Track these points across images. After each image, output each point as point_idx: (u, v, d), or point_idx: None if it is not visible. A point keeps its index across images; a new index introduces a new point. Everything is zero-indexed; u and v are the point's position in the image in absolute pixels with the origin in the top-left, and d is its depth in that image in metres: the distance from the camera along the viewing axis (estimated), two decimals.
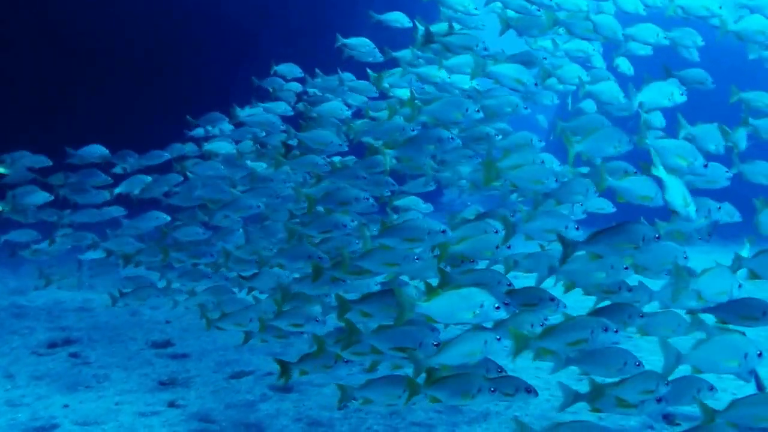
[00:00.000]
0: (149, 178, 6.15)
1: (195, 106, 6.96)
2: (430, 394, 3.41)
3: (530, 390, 3.53)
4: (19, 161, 6.35)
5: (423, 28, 4.92)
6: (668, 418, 4.36)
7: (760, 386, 4.22)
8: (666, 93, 4.42)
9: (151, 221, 5.85)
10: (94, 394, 4.74)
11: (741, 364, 3.23)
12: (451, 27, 4.97)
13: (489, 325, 3.63)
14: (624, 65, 5.41)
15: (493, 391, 3.37)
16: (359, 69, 6.06)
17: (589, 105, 5.13)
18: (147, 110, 10.77)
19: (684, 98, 4.44)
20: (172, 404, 4.59)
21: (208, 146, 6.24)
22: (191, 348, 5.84)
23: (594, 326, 3.32)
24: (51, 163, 6.49)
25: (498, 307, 3.28)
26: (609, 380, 3.44)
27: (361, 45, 6.09)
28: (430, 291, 3.52)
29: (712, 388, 3.56)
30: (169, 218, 5.77)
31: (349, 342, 3.71)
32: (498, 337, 3.39)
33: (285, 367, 4.14)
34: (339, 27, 8.21)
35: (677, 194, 3.52)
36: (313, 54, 7.24)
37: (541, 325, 3.70)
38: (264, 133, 6.04)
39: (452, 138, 4.44)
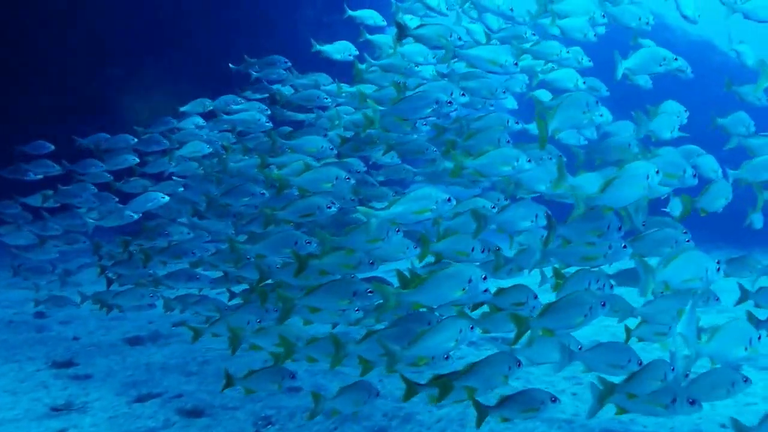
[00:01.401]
0: (137, 159, 6.01)
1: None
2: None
3: (555, 399, 3.34)
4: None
5: (398, 23, 4.69)
6: None
7: None
8: (658, 58, 4.15)
9: (147, 203, 5.45)
10: None
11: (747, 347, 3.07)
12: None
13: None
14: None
15: (554, 400, 3.28)
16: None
17: (543, 94, 4.88)
18: (79, 108, 10.09)
19: (679, 63, 4.21)
20: None
21: (175, 136, 6.02)
22: (97, 367, 5.20)
23: (592, 302, 3.20)
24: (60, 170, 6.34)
25: (485, 278, 3.15)
26: (611, 377, 3.26)
27: (338, 50, 5.76)
28: (404, 280, 3.44)
29: (746, 380, 3.23)
30: (167, 198, 5.43)
31: (337, 359, 3.46)
32: (471, 326, 3.20)
33: (230, 380, 3.75)
34: (281, 24, 7.77)
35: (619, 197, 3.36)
36: (257, 53, 6.85)
37: None
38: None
39: (450, 102, 4.11)
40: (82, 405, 4.45)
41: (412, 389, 3.34)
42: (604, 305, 3.25)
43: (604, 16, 4.61)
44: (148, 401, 4.51)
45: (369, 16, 5.77)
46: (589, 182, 3.41)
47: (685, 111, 4.39)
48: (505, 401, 3.25)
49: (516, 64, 4.37)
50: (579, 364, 4.80)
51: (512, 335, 3.47)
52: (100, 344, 5.86)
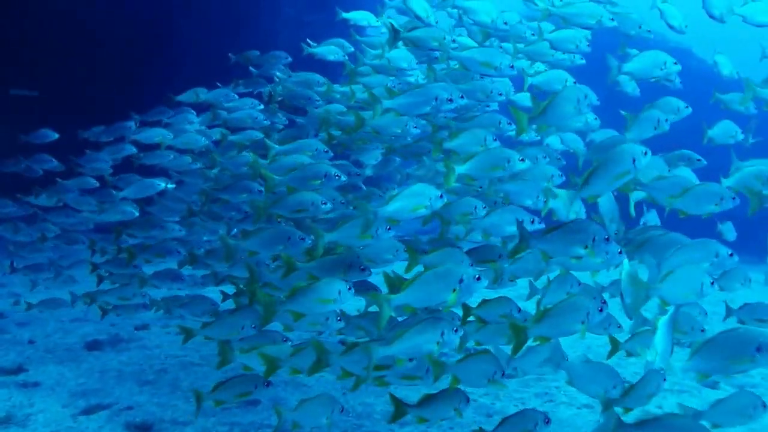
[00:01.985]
0: (134, 149, 5.87)
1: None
2: None
3: (548, 421, 3.21)
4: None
5: (390, 26, 4.51)
6: None
7: None
8: (659, 62, 4.08)
9: (146, 189, 5.40)
10: None
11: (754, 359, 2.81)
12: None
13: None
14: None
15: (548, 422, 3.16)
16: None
17: (525, 98, 4.70)
18: (62, 104, 9.83)
19: (678, 67, 4.11)
20: None
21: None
22: (47, 374, 4.93)
23: (590, 308, 3.09)
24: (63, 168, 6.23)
25: (479, 278, 3.02)
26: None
27: (331, 50, 5.65)
28: (391, 283, 3.34)
29: (766, 406, 3.05)
30: (163, 185, 5.32)
31: (318, 366, 3.28)
32: (455, 328, 3.04)
33: (200, 398, 3.52)
34: (260, 23, 7.61)
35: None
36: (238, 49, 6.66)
37: None
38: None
39: (450, 99, 3.98)
40: (24, 417, 4.19)
41: (400, 410, 3.17)
42: (601, 310, 3.13)
43: (612, 19, 4.46)
44: (96, 413, 4.25)
45: (362, 17, 5.66)
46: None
47: (686, 107, 4.24)
48: (501, 424, 3.08)
49: (512, 66, 4.23)
50: (552, 380, 4.65)
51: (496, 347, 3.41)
52: (55, 348, 5.59)
